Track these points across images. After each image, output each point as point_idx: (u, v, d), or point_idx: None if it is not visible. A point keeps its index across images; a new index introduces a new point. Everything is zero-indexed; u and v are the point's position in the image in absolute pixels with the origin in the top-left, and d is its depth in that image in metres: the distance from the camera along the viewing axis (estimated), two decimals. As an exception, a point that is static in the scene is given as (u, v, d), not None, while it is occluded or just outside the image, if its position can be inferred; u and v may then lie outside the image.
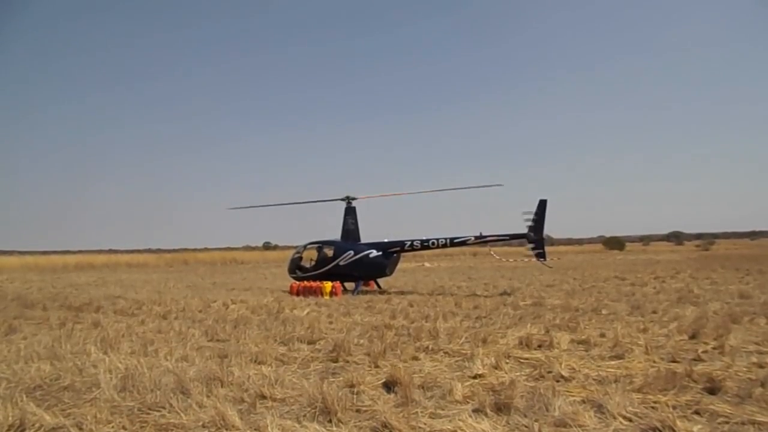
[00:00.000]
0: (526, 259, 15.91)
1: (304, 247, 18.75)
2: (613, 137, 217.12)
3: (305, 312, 12.53)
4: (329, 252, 17.68)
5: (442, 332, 8.92)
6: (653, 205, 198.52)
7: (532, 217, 15.89)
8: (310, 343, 8.50)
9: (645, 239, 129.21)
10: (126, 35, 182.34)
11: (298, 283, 17.54)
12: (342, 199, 18.13)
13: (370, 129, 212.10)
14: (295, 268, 18.71)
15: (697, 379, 5.71)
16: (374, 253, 16.90)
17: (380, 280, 18.89)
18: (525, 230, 16.06)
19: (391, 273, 17.65)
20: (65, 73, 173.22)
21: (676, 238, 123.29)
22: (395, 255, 17.35)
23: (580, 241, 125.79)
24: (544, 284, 19.57)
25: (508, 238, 16.26)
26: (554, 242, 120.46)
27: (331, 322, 10.75)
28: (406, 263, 49.19)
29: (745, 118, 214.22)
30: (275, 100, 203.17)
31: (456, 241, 16.39)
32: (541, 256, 16.02)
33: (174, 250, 77.91)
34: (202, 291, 19.78)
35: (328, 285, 16.66)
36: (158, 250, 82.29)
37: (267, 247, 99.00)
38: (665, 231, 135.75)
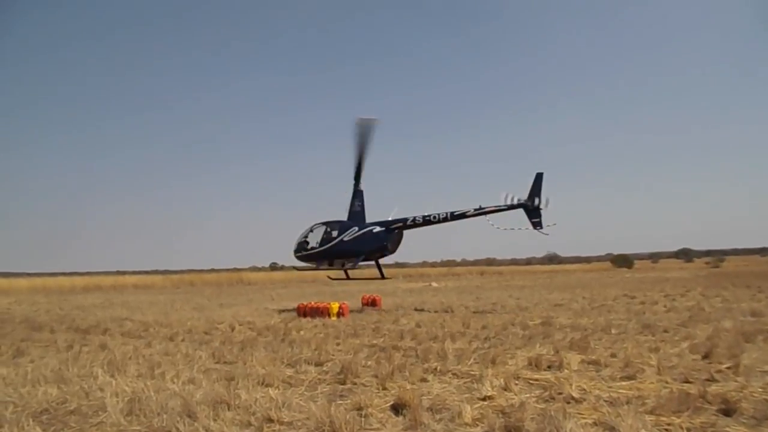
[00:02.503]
0: (522, 228, 15.66)
1: (310, 228, 18.77)
2: (622, 155, 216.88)
3: (312, 333, 12.45)
4: (334, 230, 17.80)
5: (450, 353, 8.82)
6: (662, 222, 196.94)
7: (532, 189, 15.87)
8: (317, 364, 8.44)
9: (654, 256, 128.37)
10: (132, 60, 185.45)
11: (305, 304, 17.47)
12: (360, 188, 18.40)
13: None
14: (301, 248, 18.65)
15: (712, 400, 5.60)
16: (377, 228, 17.07)
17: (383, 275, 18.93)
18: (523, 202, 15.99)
19: (393, 249, 17.60)
20: (72, 97, 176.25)
21: (685, 255, 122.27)
22: (396, 231, 17.33)
23: (588, 259, 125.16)
24: (553, 303, 19.38)
25: (506, 208, 16.06)
26: (562, 260, 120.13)
27: (338, 344, 10.67)
28: (412, 282, 48.98)
29: (753, 137, 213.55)
30: (279, 123, 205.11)
31: (456, 214, 16.40)
32: (537, 225, 15.87)
33: (181, 271, 78.23)
34: (209, 312, 19.73)
35: (335, 306, 16.59)
36: (165, 271, 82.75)
37: (274, 267, 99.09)
38: (674, 248, 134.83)
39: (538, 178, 15.72)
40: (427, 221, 16.87)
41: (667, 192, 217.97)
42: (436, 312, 17.31)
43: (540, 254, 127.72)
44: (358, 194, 18.17)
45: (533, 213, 15.66)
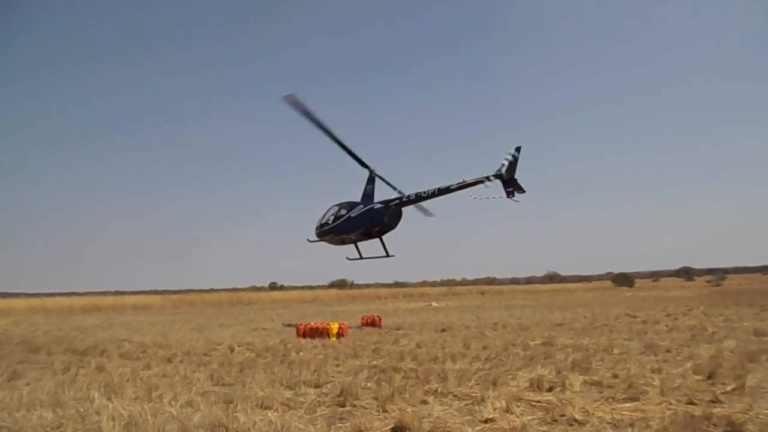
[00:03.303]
0: (497, 197, 15.94)
1: (329, 208, 19.78)
2: (623, 174, 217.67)
3: (312, 354, 12.35)
4: (344, 208, 18.99)
5: (451, 374, 8.74)
6: (662, 241, 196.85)
7: (509, 159, 16.33)
8: (316, 386, 8.35)
9: (655, 275, 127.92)
10: (125, 81, 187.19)
11: (304, 324, 17.37)
12: (369, 169, 19.21)
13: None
14: (319, 226, 19.60)
15: (717, 422, 5.54)
16: (378, 205, 18.28)
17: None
18: (500, 172, 16.29)
19: (390, 222, 18.27)
20: (70, 119, 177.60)
21: (687, 273, 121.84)
22: (394, 207, 18.22)
23: (589, 278, 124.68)
24: (554, 323, 19.25)
25: (485, 179, 16.40)
26: (563, 279, 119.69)
27: (338, 365, 10.56)
28: (413, 302, 48.73)
29: (753, 153, 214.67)
30: (277, 144, 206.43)
31: (441, 189, 16.94)
32: (511, 194, 16.33)
33: (180, 292, 77.95)
34: (208, 333, 19.59)
35: (335, 326, 16.48)
36: (165, 292, 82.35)
37: (273, 287, 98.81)
38: (675, 266, 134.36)
39: (517, 150, 16.36)
40: (418, 197, 17.71)
41: (668, 210, 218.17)
42: (436, 332, 17.18)
43: (540, 273, 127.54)
44: (370, 179, 19.22)
45: (508, 183, 16.22)
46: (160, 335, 18.81)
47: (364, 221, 18.35)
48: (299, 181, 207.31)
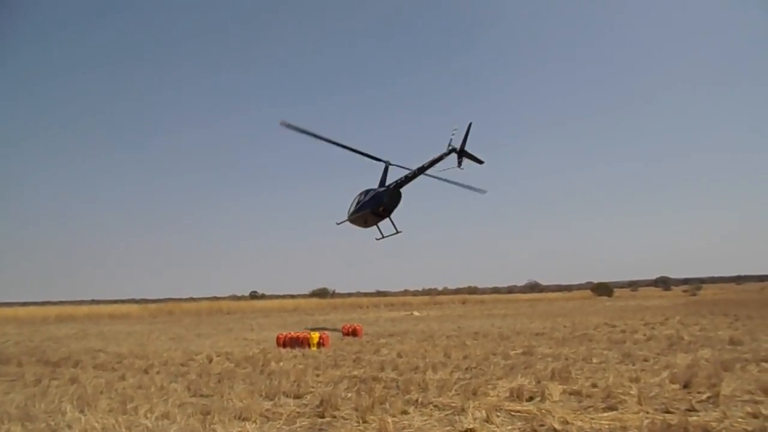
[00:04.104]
0: (451, 168, 19.43)
1: (355, 196, 23.08)
2: (601, 186, 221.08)
3: (292, 364, 12.21)
4: (363, 194, 22.25)
5: (431, 384, 8.71)
6: (640, 251, 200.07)
7: (462, 135, 19.52)
8: (296, 397, 8.26)
9: (633, 285, 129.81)
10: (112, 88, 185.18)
11: (284, 334, 17.21)
12: (384, 161, 22.17)
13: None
14: (348, 211, 22.97)
15: (693, 431, 5.60)
16: (380, 189, 21.50)
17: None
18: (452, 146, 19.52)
19: (390, 202, 21.21)
20: (53, 131, 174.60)
21: (664, 283, 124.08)
22: (392, 189, 21.26)
23: (569, 288, 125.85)
24: (534, 332, 19.36)
25: (447, 154, 19.34)
26: (543, 289, 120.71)
27: (318, 375, 10.46)
28: (394, 312, 48.65)
29: (728, 166, 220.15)
30: (258, 153, 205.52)
31: (417, 168, 20.18)
32: (460, 164, 19.49)
33: (159, 300, 76.70)
34: (187, 343, 19.27)
35: (315, 336, 16.35)
36: (142, 301, 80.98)
37: (254, 296, 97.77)
38: (653, 276, 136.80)
39: (468, 127, 19.44)
40: (407, 178, 20.68)
41: (646, 221, 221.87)
42: (417, 341, 17.14)
43: (522, 282, 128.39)
44: (385, 170, 22.14)
45: (460, 155, 19.26)
46: (137, 345, 18.45)
47: (371, 203, 21.66)
48: (281, 191, 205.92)
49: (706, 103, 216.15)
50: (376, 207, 21.43)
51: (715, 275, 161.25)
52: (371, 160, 21.49)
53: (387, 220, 22.11)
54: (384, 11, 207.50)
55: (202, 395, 8.66)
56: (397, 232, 22.07)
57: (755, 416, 6.20)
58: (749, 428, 5.67)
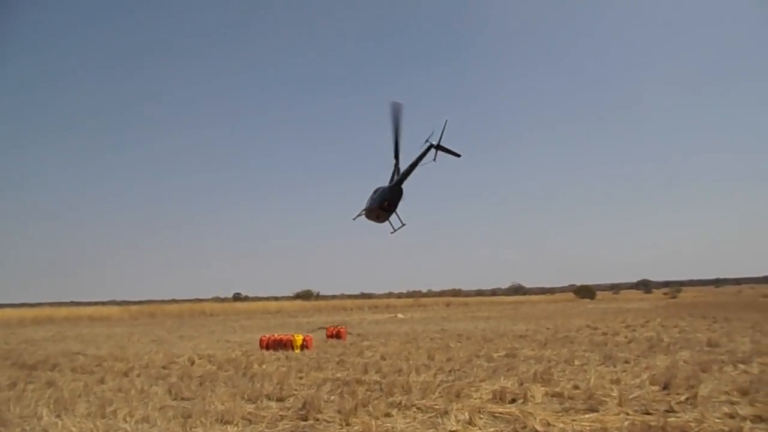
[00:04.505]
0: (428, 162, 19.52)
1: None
2: (584, 189, 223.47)
3: (275, 367, 12.13)
4: (374, 191, 22.70)
5: (414, 387, 8.71)
6: (622, 254, 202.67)
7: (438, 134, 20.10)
8: (279, 400, 8.20)
9: (615, 287, 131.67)
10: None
11: (267, 336, 17.10)
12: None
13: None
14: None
15: (671, 431, 5.68)
16: (385, 186, 21.89)
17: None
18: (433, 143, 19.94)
19: (392, 198, 21.50)
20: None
21: (645, 286, 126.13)
22: (393, 185, 21.49)
23: (552, 290, 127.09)
24: (518, 334, 19.49)
25: (427, 149, 19.97)
26: (527, 291, 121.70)
27: (301, 378, 10.41)
28: (378, 314, 48.63)
29: (707, 172, 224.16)
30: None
31: (412, 164, 20.49)
32: (434, 158, 20.32)
33: (140, 302, 75.71)
34: (168, 345, 19.03)
35: (299, 338, 16.26)
36: (123, 302, 79.82)
37: (237, 298, 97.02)
38: (634, 279, 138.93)
39: (444, 124, 20.08)
40: (403, 174, 21.08)
41: (628, 225, 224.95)
42: (401, 344, 17.14)
43: (505, 285, 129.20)
44: (396, 170, 22.19)
45: (437, 149, 19.93)
46: (117, 348, 18.18)
47: (378, 200, 22.15)
48: (266, 192, 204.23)
49: (685, 108, 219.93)
50: (381, 203, 22.25)
51: (695, 278, 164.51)
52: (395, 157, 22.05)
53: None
54: (375, 15, 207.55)
55: (183, 398, 8.55)
56: (403, 225, 22.76)
57: (732, 417, 6.31)
58: (726, 429, 5.77)
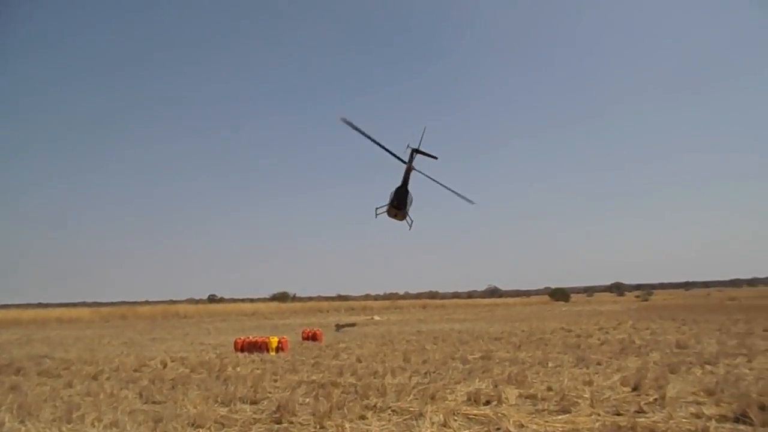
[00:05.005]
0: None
1: None
2: (559, 194, 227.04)
3: (249, 369, 11.99)
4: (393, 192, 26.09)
5: (390, 389, 8.70)
6: (596, 258, 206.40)
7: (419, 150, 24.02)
8: (252, 403, 8.10)
9: (589, 290, 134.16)
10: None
11: (242, 339, 16.90)
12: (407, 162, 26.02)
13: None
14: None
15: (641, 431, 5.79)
16: (395, 189, 25.29)
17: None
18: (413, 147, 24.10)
19: (399, 198, 25.11)
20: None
21: (618, 289, 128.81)
22: (399, 187, 25.23)
23: (527, 293, 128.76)
24: (493, 337, 19.65)
25: (412, 153, 23.87)
26: (503, 294, 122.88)
27: (275, 380, 10.30)
28: (354, 316, 48.53)
29: (677, 177, 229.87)
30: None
31: (407, 170, 24.04)
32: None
33: (111, 304, 74.02)
34: (140, 348, 18.66)
35: (274, 340, 16.11)
36: (94, 304, 77.81)
37: (212, 299, 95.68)
38: (607, 282, 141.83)
39: (423, 131, 24.00)
40: (404, 177, 24.61)
41: (602, 229, 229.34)
42: (377, 346, 17.12)
43: (481, 287, 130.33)
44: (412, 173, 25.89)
45: (415, 152, 23.46)
46: (87, 351, 17.74)
47: (390, 200, 25.90)
48: (240, 192, 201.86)
49: (658, 113, 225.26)
50: (392, 202, 25.95)
51: (665, 282, 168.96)
52: (399, 160, 25.23)
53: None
54: (360, 22, 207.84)
55: (154, 402, 8.38)
56: (410, 222, 27.41)
57: (698, 416, 6.46)
58: (692, 428, 5.90)
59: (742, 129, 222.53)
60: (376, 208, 27.48)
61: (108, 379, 11.08)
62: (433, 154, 24.02)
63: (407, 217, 27.18)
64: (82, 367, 12.92)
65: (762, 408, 6.58)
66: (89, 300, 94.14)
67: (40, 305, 78.49)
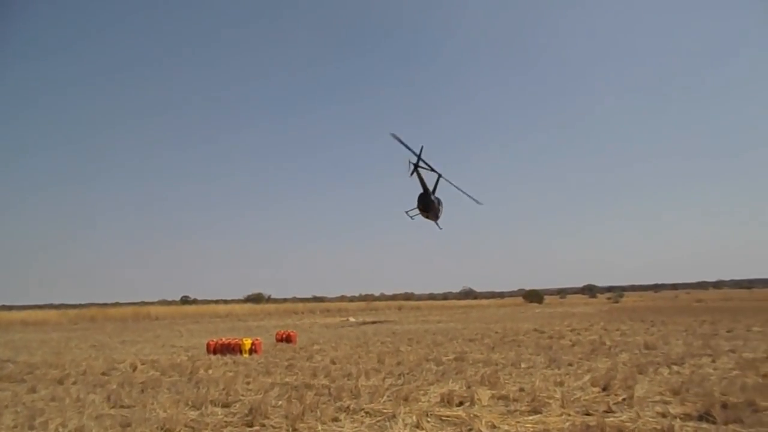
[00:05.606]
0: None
1: None
2: (532, 196, 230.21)
3: (222, 372, 11.82)
4: None
5: (363, 391, 8.68)
6: (569, 260, 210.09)
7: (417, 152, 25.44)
8: (224, 406, 7.99)
9: (562, 292, 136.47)
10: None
11: (215, 340, 16.67)
12: (436, 172, 27.50)
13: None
14: None
15: (609, 431, 5.90)
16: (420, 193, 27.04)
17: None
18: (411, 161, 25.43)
19: (424, 201, 26.96)
20: None
21: (590, 291, 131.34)
22: (423, 193, 26.88)
23: (502, 294, 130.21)
24: (468, 338, 19.79)
25: (414, 165, 25.35)
26: (477, 295, 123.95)
27: (248, 383, 10.18)
28: (330, 318, 48.34)
29: (645, 181, 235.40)
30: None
31: (421, 180, 26.05)
32: (412, 173, 25.95)
33: (80, 306, 72.11)
34: (109, 351, 18.22)
35: (247, 342, 15.93)
36: (61, 306, 75.66)
37: (185, 301, 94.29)
38: (580, 284, 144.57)
39: (421, 149, 25.34)
40: (425, 187, 26.47)
41: (574, 231, 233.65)
42: (352, 348, 17.07)
43: (456, 289, 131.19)
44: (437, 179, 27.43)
45: (417, 166, 25.27)
46: (53, 354, 17.24)
47: (417, 203, 27.53)
48: (215, 191, 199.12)
49: (630, 117, 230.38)
50: (418, 206, 27.76)
51: (636, 284, 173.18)
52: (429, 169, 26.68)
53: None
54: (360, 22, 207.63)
55: (122, 406, 8.19)
56: (437, 224, 29.55)
57: (664, 416, 6.62)
58: (658, 427, 6.03)
59: (705, 133, 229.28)
60: (407, 212, 29.46)
61: (74, 383, 10.79)
62: (432, 167, 26.13)
63: (436, 220, 29.37)
64: (47, 371, 12.55)
65: (724, 406, 6.80)
66: (56, 302, 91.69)
67: (3, 307, 75.92)
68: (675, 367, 10.92)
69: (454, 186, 27.45)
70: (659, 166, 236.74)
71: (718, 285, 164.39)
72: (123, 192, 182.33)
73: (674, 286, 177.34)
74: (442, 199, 28.50)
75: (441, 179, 27.17)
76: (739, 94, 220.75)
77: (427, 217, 28.90)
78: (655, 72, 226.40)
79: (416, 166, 25.74)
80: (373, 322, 37.10)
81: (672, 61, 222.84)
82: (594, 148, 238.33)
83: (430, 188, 27.62)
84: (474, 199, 29.31)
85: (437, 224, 29.64)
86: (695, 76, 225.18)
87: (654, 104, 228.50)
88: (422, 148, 25.50)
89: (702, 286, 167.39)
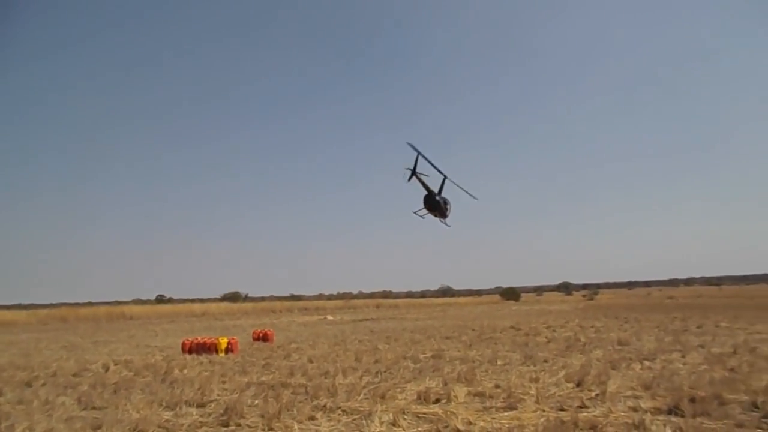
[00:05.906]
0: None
1: None
2: (508, 195, 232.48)
3: (197, 371, 11.67)
4: None
5: (340, 389, 8.67)
6: (545, 258, 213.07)
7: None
8: (199, 406, 7.88)
9: (538, 290, 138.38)
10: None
11: (190, 340, 16.45)
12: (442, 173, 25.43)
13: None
14: None
15: (582, 426, 6.01)
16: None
17: None
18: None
19: (429, 201, 23.10)
20: None
21: (566, 288, 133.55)
22: (427, 194, 23.51)
23: (479, 292, 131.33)
24: (445, 336, 19.91)
25: (412, 172, 21.92)
26: (455, 293, 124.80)
27: (224, 382, 10.07)
28: (307, 316, 48.15)
29: (618, 180, 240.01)
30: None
31: (424, 184, 22.60)
32: (410, 178, 22.89)
33: (50, 306, 70.25)
34: (81, 352, 17.82)
35: (223, 341, 15.76)
36: (30, 306, 73.68)
37: (160, 300, 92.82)
38: (556, 282, 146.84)
39: (416, 158, 22.44)
40: (429, 190, 23.18)
41: (550, 229, 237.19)
42: (329, 346, 17.03)
43: (434, 287, 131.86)
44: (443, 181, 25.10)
45: (414, 171, 22.27)
46: (21, 356, 16.78)
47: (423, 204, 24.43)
48: (191, 186, 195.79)
49: (601, 117, 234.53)
50: (425, 206, 24.51)
51: (610, 281, 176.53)
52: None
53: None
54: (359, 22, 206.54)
55: (94, 408, 8.01)
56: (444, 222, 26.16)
57: (635, 410, 6.76)
58: (630, 421, 6.16)
59: (676, 132, 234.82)
60: (415, 212, 28.80)
61: (43, 385, 10.51)
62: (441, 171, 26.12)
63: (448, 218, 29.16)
64: (14, 374, 12.20)
65: (692, 400, 6.98)
66: (25, 302, 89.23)
67: (-31, 308, 73.69)
68: (646, 363, 11.16)
69: (455, 184, 27.42)
70: (632, 166, 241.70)
71: (688, 282, 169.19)
72: (96, 190, 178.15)
73: (647, 284, 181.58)
74: (449, 199, 28.27)
75: (446, 180, 26.79)
76: (709, 90, 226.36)
77: (435, 216, 28.89)
78: (629, 72, 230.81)
79: (413, 172, 25.19)
80: (352, 321, 36.75)
81: (641, 61, 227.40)
82: (569, 147, 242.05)
83: (434, 189, 27.32)
84: (471, 195, 29.33)
85: (445, 223, 29.22)
86: (669, 72, 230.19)
87: (623, 105, 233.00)
88: (418, 155, 25.47)
89: (673, 283, 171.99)
